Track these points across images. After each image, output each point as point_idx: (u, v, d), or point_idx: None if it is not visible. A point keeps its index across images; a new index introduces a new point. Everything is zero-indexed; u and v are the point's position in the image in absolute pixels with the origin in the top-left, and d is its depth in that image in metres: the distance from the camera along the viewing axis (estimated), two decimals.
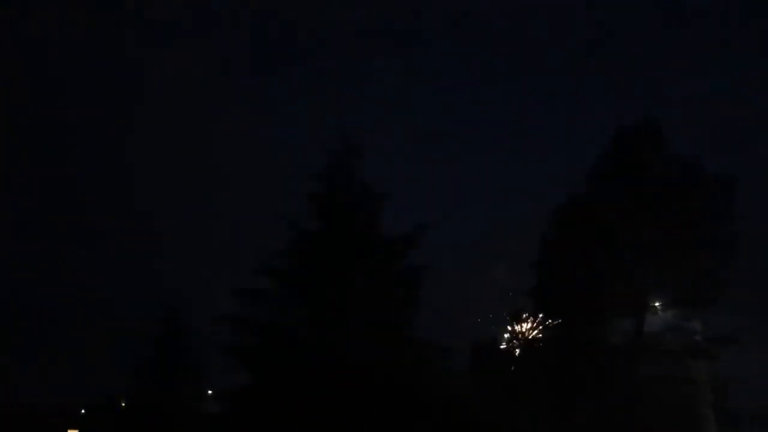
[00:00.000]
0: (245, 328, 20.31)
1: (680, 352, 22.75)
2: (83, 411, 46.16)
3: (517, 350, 27.77)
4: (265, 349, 20.55)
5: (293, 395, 18.89)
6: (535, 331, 27.27)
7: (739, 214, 22.63)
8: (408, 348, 19.82)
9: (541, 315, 26.39)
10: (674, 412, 23.32)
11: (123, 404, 35.06)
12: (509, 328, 27.60)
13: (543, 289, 24.58)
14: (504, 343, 28.90)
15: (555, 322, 24.51)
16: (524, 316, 27.99)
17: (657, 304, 22.89)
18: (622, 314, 22.94)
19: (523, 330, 28.03)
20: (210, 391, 32.98)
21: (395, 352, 19.32)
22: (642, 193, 22.77)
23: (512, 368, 26.28)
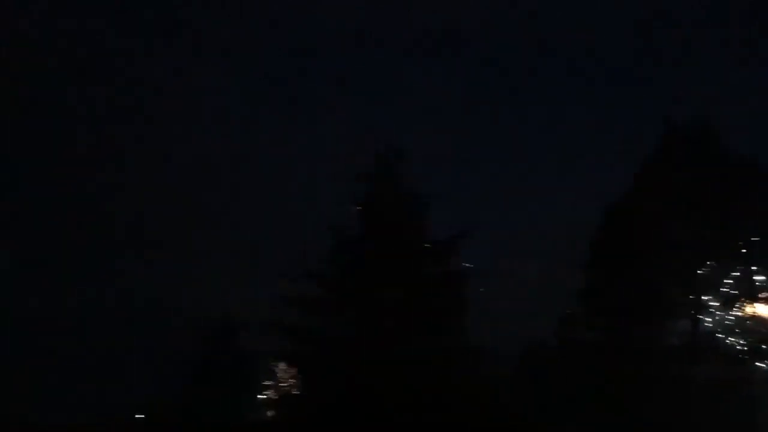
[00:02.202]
0: (293, 335, 20.42)
1: (737, 352, 22.11)
2: (139, 416, 47.08)
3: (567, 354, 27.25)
4: (313, 356, 20.63)
5: (341, 402, 18.92)
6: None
7: None
8: (456, 354, 19.66)
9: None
10: (732, 415, 22.64)
11: (173, 412, 35.59)
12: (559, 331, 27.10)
13: (593, 292, 24.15)
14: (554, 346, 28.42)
15: (607, 325, 24.03)
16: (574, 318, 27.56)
17: (715, 304, 22.34)
18: (677, 315, 22.42)
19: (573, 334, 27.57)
20: (259, 397, 33.32)
21: (443, 359, 19.19)
22: (694, 191, 22.20)
23: (562, 372, 25.79)
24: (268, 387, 30.18)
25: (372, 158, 21.17)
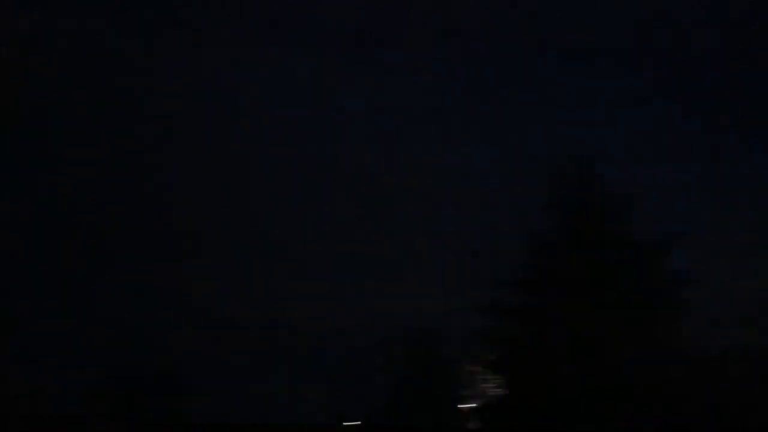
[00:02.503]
0: (495, 343, 20.46)
1: None
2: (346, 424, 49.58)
3: None
4: (516, 363, 20.50)
5: (549, 410, 18.57)
6: None
7: None
8: (674, 360, 18.48)
9: None
10: None
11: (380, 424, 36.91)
12: None
13: None
14: None
15: None
16: None
17: None
18: None
19: None
20: (460, 407, 33.50)
21: (659, 365, 18.14)
22: None
23: None
24: (469, 397, 30.29)
25: (561, 160, 20.77)
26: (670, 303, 19.05)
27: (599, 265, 19.11)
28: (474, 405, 26.22)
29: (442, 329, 33.75)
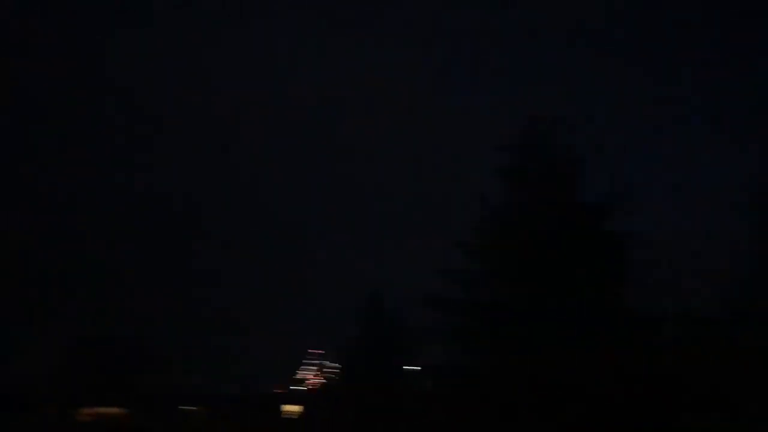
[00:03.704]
0: (447, 306, 20.44)
1: None
2: (300, 388, 50.01)
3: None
4: (466, 328, 20.58)
5: (499, 374, 18.74)
6: None
7: None
8: (618, 320, 18.74)
9: None
10: None
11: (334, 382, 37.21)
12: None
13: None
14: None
15: None
16: None
17: None
18: None
19: None
20: (406, 367, 33.81)
21: (602, 327, 18.38)
22: None
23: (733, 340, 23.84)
24: (420, 358, 30.60)
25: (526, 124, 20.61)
26: (613, 265, 19.06)
27: (546, 227, 19.08)
28: (422, 367, 26.51)
29: (394, 292, 33.96)
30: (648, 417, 17.37)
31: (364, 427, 29.96)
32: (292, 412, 44.64)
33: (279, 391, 55.94)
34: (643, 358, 18.46)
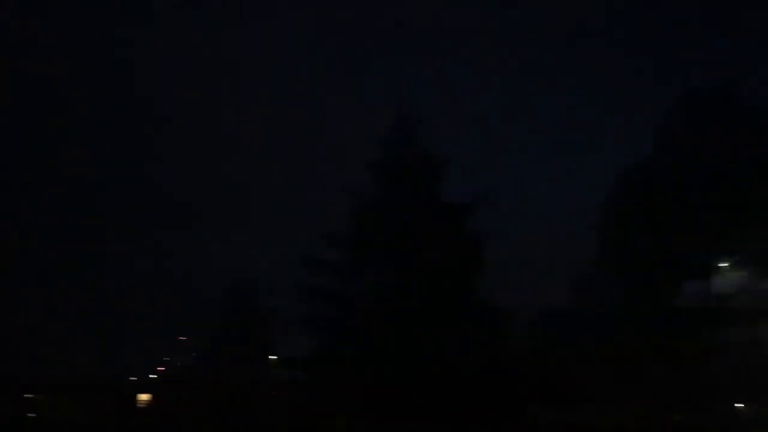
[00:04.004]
0: (311, 296, 20.64)
1: (751, 314, 22.09)
2: (154, 376, 48.20)
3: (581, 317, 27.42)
4: (330, 317, 20.90)
5: (358, 361, 19.22)
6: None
7: None
8: (472, 314, 19.82)
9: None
10: (744, 376, 22.81)
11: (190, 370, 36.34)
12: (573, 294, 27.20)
13: (607, 253, 24.17)
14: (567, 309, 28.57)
15: (622, 287, 24.11)
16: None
17: (727, 265, 22.23)
18: (692, 277, 22.40)
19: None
20: (273, 357, 33.88)
21: (459, 318, 19.36)
22: (717, 153, 21.94)
23: (576, 335, 26.05)
24: (287, 348, 30.69)
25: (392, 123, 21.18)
26: (471, 261, 20.10)
27: (409, 225, 19.78)
28: (286, 356, 26.60)
29: (260, 281, 33.75)
30: (496, 404, 18.60)
31: (209, 413, 29.62)
32: (144, 401, 43.22)
33: (134, 379, 53.93)
34: (494, 349, 19.75)
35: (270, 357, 33.34)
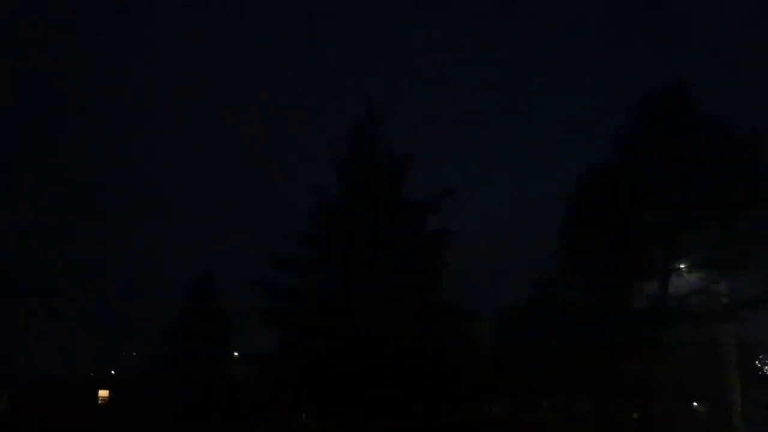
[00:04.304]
0: (272, 292, 20.51)
1: (706, 315, 22.51)
2: (113, 372, 47.39)
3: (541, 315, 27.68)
4: (291, 313, 20.80)
5: (318, 358, 19.14)
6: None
7: None
8: (432, 312, 19.88)
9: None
10: (699, 376, 23.26)
11: (152, 366, 35.77)
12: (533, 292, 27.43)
13: (568, 252, 24.43)
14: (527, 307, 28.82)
15: (581, 286, 24.40)
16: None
17: (683, 266, 22.63)
18: (648, 277, 22.74)
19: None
20: (236, 354, 33.62)
21: (419, 317, 19.40)
22: (672, 155, 22.35)
23: (535, 333, 26.33)
24: (246, 344, 30.45)
25: (356, 119, 21.13)
26: (431, 260, 20.16)
27: (371, 223, 19.76)
28: (246, 352, 26.41)
29: (220, 278, 33.40)
30: (453, 402, 18.69)
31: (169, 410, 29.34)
32: (104, 398, 42.52)
33: (93, 375, 53.08)
34: (453, 348, 19.86)
35: (231, 353, 33.08)
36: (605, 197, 23.01)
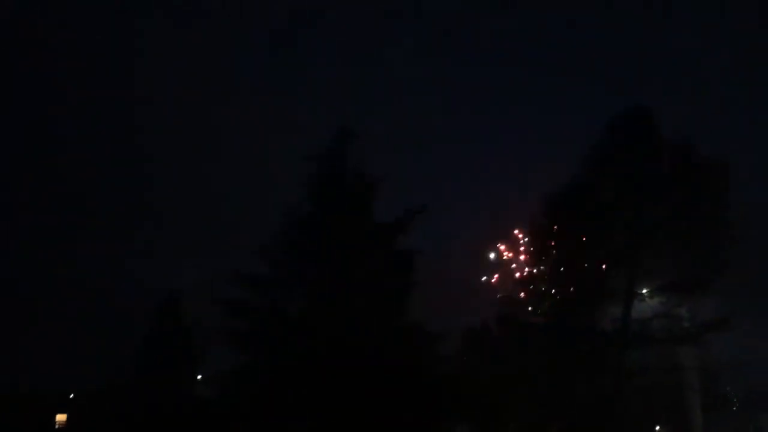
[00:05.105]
0: (239, 312, 20.27)
1: (667, 338, 22.90)
2: (72, 396, 45.90)
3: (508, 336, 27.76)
4: (259, 333, 20.56)
5: (286, 379, 18.94)
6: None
7: (732, 199, 22.59)
8: (400, 333, 19.86)
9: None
10: (661, 399, 23.59)
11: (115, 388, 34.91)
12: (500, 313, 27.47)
13: (534, 276, 24.72)
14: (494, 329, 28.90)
15: (547, 308, 24.64)
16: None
17: (645, 290, 23.02)
18: (612, 300, 23.09)
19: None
20: (200, 376, 32.98)
21: (387, 338, 19.37)
22: (634, 179, 22.86)
23: (502, 353, 26.47)
24: (214, 365, 29.95)
25: (326, 139, 21.20)
26: (403, 278, 20.19)
27: (341, 242, 19.75)
28: (212, 373, 25.98)
29: (187, 297, 32.92)
30: (419, 423, 18.62)
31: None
32: (62, 422, 41.13)
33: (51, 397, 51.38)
34: (419, 368, 19.84)
35: (196, 375, 32.48)
36: (567, 221, 23.39)
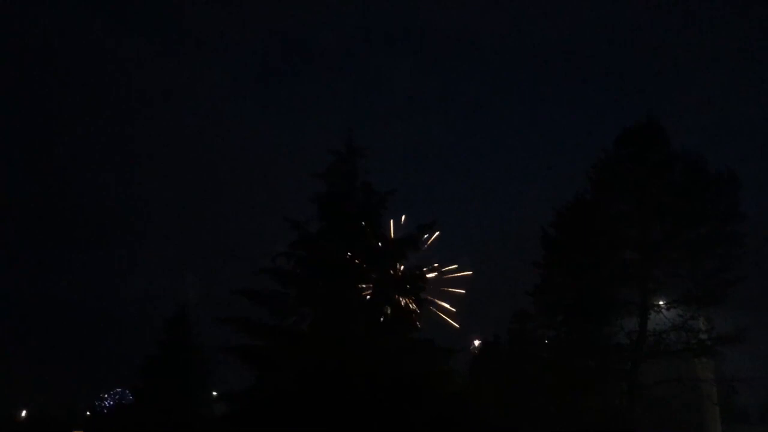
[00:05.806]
0: (248, 329, 20.28)
1: (684, 351, 22.62)
2: (88, 413, 46.26)
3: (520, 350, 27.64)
4: (269, 350, 20.54)
5: (297, 395, 18.90)
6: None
7: (743, 212, 22.37)
8: (411, 349, 19.79)
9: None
10: (679, 412, 23.27)
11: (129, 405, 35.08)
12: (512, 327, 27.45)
13: (546, 289, 24.50)
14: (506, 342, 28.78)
15: (560, 322, 24.43)
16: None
17: (661, 303, 22.79)
18: (626, 314, 22.86)
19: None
20: (215, 393, 33.01)
21: (398, 354, 19.30)
22: (646, 193, 22.67)
23: (514, 367, 26.26)
24: (224, 382, 29.96)
25: (336, 155, 21.22)
26: (409, 297, 20.12)
27: (351, 259, 19.74)
28: (225, 391, 25.96)
29: (196, 314, 32.95)
30: None
31: None
32: None
33: (69, 414, 51.69)
34: (431, 384, 19.75)
35: (209, 392, 32.48)
36: (580, 235, 23.23)
